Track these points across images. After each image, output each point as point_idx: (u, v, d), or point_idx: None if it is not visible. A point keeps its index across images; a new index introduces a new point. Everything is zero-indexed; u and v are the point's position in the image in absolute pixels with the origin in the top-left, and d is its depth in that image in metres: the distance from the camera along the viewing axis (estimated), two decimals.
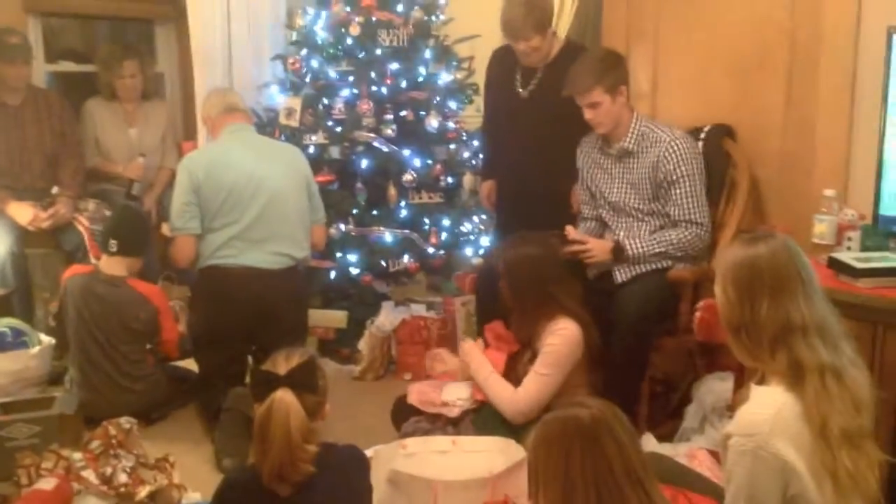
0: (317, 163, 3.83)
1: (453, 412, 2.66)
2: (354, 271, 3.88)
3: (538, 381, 2.56)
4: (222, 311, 3.06)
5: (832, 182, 2.79)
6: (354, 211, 3.86)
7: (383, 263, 3.90)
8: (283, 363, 1.77)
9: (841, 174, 2.87)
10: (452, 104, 4.15)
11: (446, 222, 4.05)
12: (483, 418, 2.67)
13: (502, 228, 3.65)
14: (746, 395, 1.80)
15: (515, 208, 3.50)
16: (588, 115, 2.95)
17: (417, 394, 2.75)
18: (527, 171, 3.38)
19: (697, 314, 2.61)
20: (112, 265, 3.20)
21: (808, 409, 1.65)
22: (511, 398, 2.58)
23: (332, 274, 3.87)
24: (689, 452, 2.54)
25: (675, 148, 2.89)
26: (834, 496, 1.65)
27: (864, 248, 2.57)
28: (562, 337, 2.58)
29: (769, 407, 1.67)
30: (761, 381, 1.80)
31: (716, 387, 2.91)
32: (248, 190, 3.07)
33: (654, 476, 1.42)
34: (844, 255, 2.50)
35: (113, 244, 3.18)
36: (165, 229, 3.35)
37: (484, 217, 4.19)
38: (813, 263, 2.48)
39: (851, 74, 2.85)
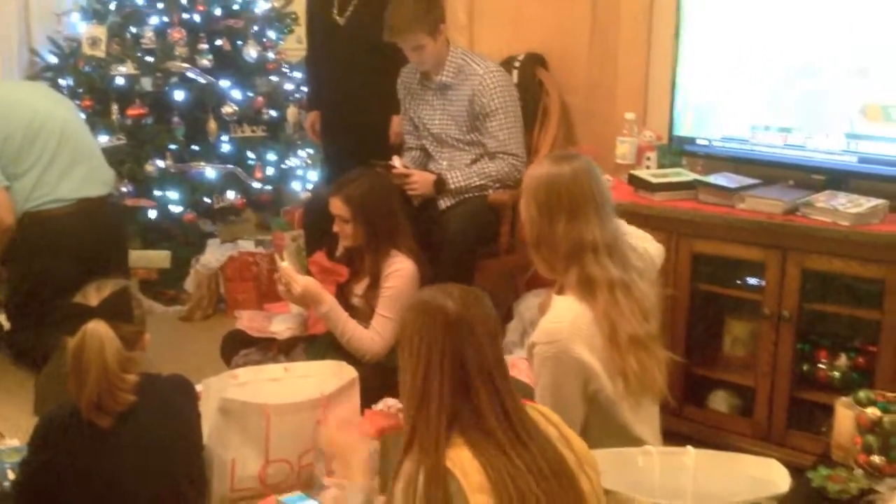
0: (127, 95, 3.64)
1: (284, 335, 2.67)
2: (176, 209, 3.75)
3: (386, 323, 2.60)
4: (49, 257, 2.91)
5: (632, 106, 2.99)
6: (172, 146, 3.71)
7: (207, 200, 3.80)
8: (94, 294, 1.72)
9: (640, 99, 3.08)
10: (271, 34, 4.04)
11: (272, 157, 3.98)
12: (316, 349, 2.70)
13: (328, 161, 3.64)
14: (548, 303, 1.95)
15: (339, 140, 3.49)
16: (412, 58, 3.00)
17: (248, 320, 2.74)
18: (348, 102, 3.37)
19: None
20: None
21: (598, 318, 1.84)
22: (370, 344, 2.60)
23: (152, 213, 3.72)
24: (510, 362, 2.70)
25: (489, 82, 2.97)
26: (625, 392, 1.86)
27: (661, 166, 2.80)
28: (398, 277, 2.63)
29: (566, 316, 1.84)
30: (560, 291, 1.95)
31: (534, 303, 3.08)
32: (39, 124, 2.95)
33: (507, 374, 1.50)
34: (643, 173, 2.71)
35: None
36: None
37: (311, 151, 4.15)
38: (616, 182, 2.71)
39: (649, 5, 3.05)
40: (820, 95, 2.49)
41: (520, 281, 3.24)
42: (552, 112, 3.17)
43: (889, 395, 1.62)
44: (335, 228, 2.67)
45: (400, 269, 2.62)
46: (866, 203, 2.27)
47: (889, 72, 2.35)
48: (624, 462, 1.75)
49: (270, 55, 4.03)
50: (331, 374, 2.42)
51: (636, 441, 1.86)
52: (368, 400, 2.39)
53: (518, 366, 2.62)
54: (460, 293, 1.48)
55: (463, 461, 1.37)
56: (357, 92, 3.33)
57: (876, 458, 1.57)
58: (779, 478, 1.68)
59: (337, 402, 2.30)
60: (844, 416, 1.73)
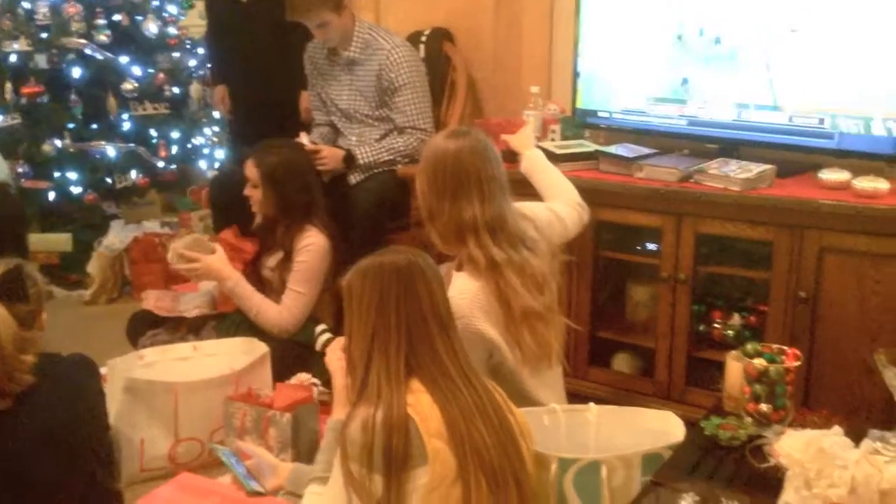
0: (22, 73, 3.49)
1: (192, 313, 2.64)
2: (76, 190, 3.62)
3: (297, 298, 2.60)
4: None
5: (537, 80, 3.05)
6: (70, 125, 3.59)
7: (108, 180, 3.68)
8: None
9: (544, 73, 3.15)
10: (172, 8, 3.95)
11: (176, 134, 3.89)
12: (226, 326, 2.67)
13: (236, 137, 3.59)
14: (449, 278, 1.99)
15: (248, 117, 3.47)
16: (318, 35, 2.98)
17: (155, 300, 2.69)
18: (254, 79, 3.34)
19: None
20: None
21: (491, 294, 1.89)
22: (277, 318, 2.58)
23: (51, 195, 3.59)
24: None
25: (396, 56, 2.98)
26: (523, 362, 1.93)
27: (565, 138, 2.87)
28: (310, 252, 2.63)
29: (467, 292, 1.89)
30: (459, 268, 1.99)
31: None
32: None
33: (454, 322, 1.54)
34: (548, 144, 2.78)
35: None
36: None
37: (217, 129, 4.08)
38: None
39: None
40: (712, 68, 2.60)
41: (431, 254, 3.26)
42: (459, 86, 3.20)
43: (774, 346, 1.72)
44: (246, 191, 2.66)
45: (312, 244, 2.62)
46: (755, 169, 2.38)
47: (776, 45, 2.47)
48: (531, 421, 1.80)
49: (171, 30, 3.93)
50: (241, 351, 2.41)
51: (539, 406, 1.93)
52: (282, 376, 2.39)
53: None
54: (403, 249, 1.56)
55: (423, 406, 1.41)
56: (263, 69, 3.29)
57: (763, 406, 1.66)
58: (675, 428, 1.78)
59: (248, 378, 2.29)
60: (734, 368, 1.83)
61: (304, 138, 3.00)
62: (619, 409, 1.89)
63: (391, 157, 3.02)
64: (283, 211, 2.64)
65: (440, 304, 1.49)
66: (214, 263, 2.56)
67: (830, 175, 2.32)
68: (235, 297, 2.59)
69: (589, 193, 2.58)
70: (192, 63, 4.02)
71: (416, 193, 3.01)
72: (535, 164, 2.40)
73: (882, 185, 2.22)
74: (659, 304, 2.56)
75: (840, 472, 1.37)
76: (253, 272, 2.74)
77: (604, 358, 2.74)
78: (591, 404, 1.88)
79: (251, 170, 2.64)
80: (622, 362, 2.72)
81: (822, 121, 2.41)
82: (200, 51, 4.01)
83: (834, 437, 1.44)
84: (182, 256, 2.54)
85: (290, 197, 2.62)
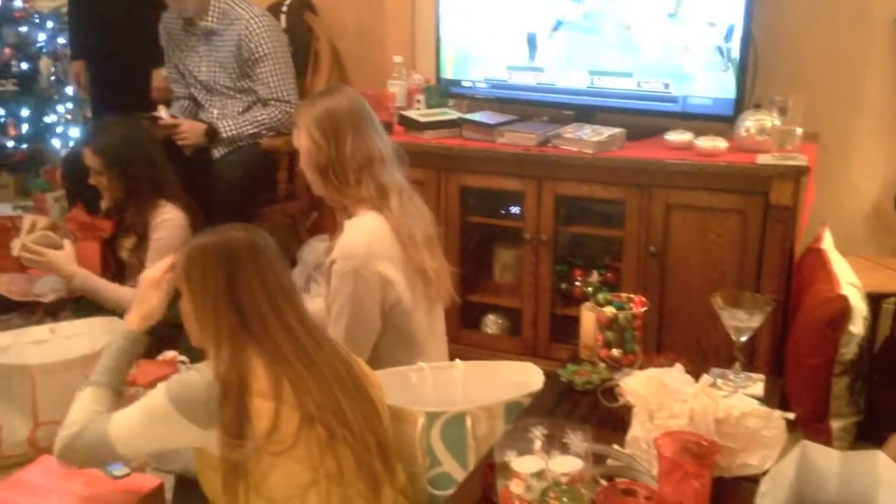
0: None
1: (49, 298, 2.53)
2: None
3: None
4: None
5: (401, 50, 3.08)
6: None
7: None
8: None
9: (408, 43, 3.18)
10: None
11: (25, 112, 3.68)
12: (86, 309, 2.58)
13: (94, 115, 3.45)
14: (342, 229, 2.01)
15: (105, 93, 3.34)
16: (173, 4, 2.92)
17: (8, 283, 2.57)
18: (112, 53, 3.22)
19: None
20: None
21: (395, 223, 1.92)
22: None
23: None
24: None
25: (256, 26, 2.93)
26: (425, 290, 1.97)
27: (429, 107, 2.92)
28: (167, 228, 2.56)
29: (362, 232, 1.91)
30: (351, 215, 2.01)
31: (318, 247, 3.11)
32: None
33: (297, 302, 1.54)
34: (412, 113, 2.81)
35: None
36: None
37: (71, 106, 3.88)
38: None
39: None
40: (566, 37, 2.70)
41: (302, 227, 3.26)
42: (323, 57, 3.19)
43: (623, 295, 1.83)
44: (91, 181, 2.56)
45: (168, 220, 2.55)
46: (606, 132, 2.50)
47: (625, 16, 2.59)
48: (399, 380, 1.85)
49: (17, 3, 3.70)
50: (101, 331, 2.34)
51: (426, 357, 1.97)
52: (148, 356, 2.33)
53: None
54: (239, 227, 1.55)
55: (261, 375, 1.42)
56: (121, 43, 3.18)
57: (614, 352, 1.76)
58: (535, 378, 1.86)
59: None
60: (587, 318, 1.93)
61: (162, 112, 2.92)
62: (483, 363, 1.96)
63: (256, 130, 2.98)
64: (131, 191, 2.56)
65: (279, 277, 1.52)
66: (59, 260, 2.48)
67: (675, 136, 2.47)
68: (87, 292, 2.52)
69: (453, 160, 2.65)
70: (42, 37, 3.80)
71: (282, 166, 3.06)
72: None
73: (721, 143, 2.38)
74: (523, 265, 2.66)
75: (680, 405, 1.47)
76: (110, 253, 2.64)
77: (474, 320, 2.82)
78: (458, 361, 1.94)
79: (91, 158, 2.54)
80: (491, 324, 2.81)
81: (667, 85, 2.56)
82: (50, 24, 3.79)
83: (675, 374, 1.55)
84: (26, 248, 2.43)
85: (137, 175, 2.54)
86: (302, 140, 2.00)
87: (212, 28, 2.95)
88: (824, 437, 2.17)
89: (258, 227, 1.60)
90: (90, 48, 3.33)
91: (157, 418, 1.44)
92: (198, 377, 1.44)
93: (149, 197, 2.55)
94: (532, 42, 2.76)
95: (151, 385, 2.03)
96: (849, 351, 2.15)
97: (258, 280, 1.48)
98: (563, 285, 2.68)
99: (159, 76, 3.19)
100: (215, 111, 3.05)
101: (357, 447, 1.45)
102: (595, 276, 2.65)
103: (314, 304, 2.20)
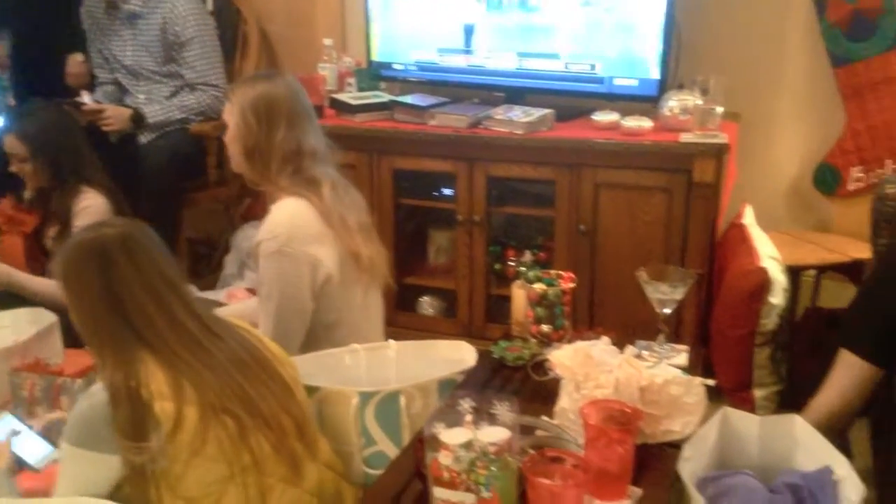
0: None
1: None
2: None
3: None
4: None
5: (331, 33, 3.05)
6: None
7: None
8: None
9: (338, 26, 3.16)
10: None
11: None
12: (8, 298, 2.50)
13: (17, 100, 3.33)
14: (267, 212, 1.99)
15: (28, 77, 3.23)
16: None
17: None
18: (30, 36, 3.12)
19: None
20: None
21: (323, 208, 1.91)
22: (59, 292, 2.43)
23: None
24: (228, 293, 2.70)
25: (181, 9, 2.87)
26: (359, 273, 1.96)
27: (361, 89, 2.91)
28: (90, 215, 2.49)
29: (285, 213, 1.90)
30: (273, 202, 2.00)
31: (251, 233, 3.08)
32: None
33: (184, 292, 1.48)
34: (343, 96, 2.80)
35: None
36: None
37: None
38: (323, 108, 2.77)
39: None
40: (496, 20, 2.72)
41: (234, 213, 3.22)
42: (251, 40, 3.14)
43: (553, 272, 1.86)
44: (13, 169, 2.48)
45: (90, 206, 2.49)
46: (536, 113, 2.54)
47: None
48: (333, 362, 1.85)
49: None
50: (27, 322, 2.27)
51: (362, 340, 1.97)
52: (78, 344, 2.28)
53: (237, 295, 2.63)
54: (112, 221, 1.53)
55: (153, 373, 1.36)
56: (43, 27, 3.07)
57: (544, 327, 1.80)
58: (467, 355, 1.88)
59: (36, 348, 2.16)
60: (518, 295, 1.96)
61: (85, 97, 2.84)
62: (416, 343, 1.97)
63: (183, 115, 2.93)
64: (56, 178, 2.49)
65: (161, 269, 1.45)
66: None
67: (602, 116, 2.51)
68: (10, 287, 2.44)
69: (385, 142, 2.65)
70: None
71: (211, 151, 3.01)
72: None
73: (646, 123, 2.44)
74: (457, 247, 2.68)
75: (605, 376, 1.51)
76: (35, 244, 2.57)
77: (409, 303, 2.83)
78: (391, 341, 1.94)
79: (15, 145, 2.45)
80: (426, 306, 2.82)
81: (593, 67, 2.60)
82: None
83: (601, 346, 1.59)
84: None
85: (60, 161, 2.47)
86: (234, 117, 1.97)
87: (135, 11, 2.88)
88: (748, 406, 2.25)
89: (136, 219, 1.54)
90: (11, 30, 3.22)
91: (77, 466, 1.37)
92: (86, 405, 1.37)
93: (71, 183, 2.49)
94: (461, 24, 2.77)
95: (80, 374, 2.00)
96: (769, 322, 2.23)
97: (137, 275, 1.42)
98: (497, 266, 2.71)
99: (74, 61, 3.10)
100: (142, 96, 2.99)
101: (271, 432, 1.41)
102: (528, 256, 2.67)
103: (240, 305, 2.21)
